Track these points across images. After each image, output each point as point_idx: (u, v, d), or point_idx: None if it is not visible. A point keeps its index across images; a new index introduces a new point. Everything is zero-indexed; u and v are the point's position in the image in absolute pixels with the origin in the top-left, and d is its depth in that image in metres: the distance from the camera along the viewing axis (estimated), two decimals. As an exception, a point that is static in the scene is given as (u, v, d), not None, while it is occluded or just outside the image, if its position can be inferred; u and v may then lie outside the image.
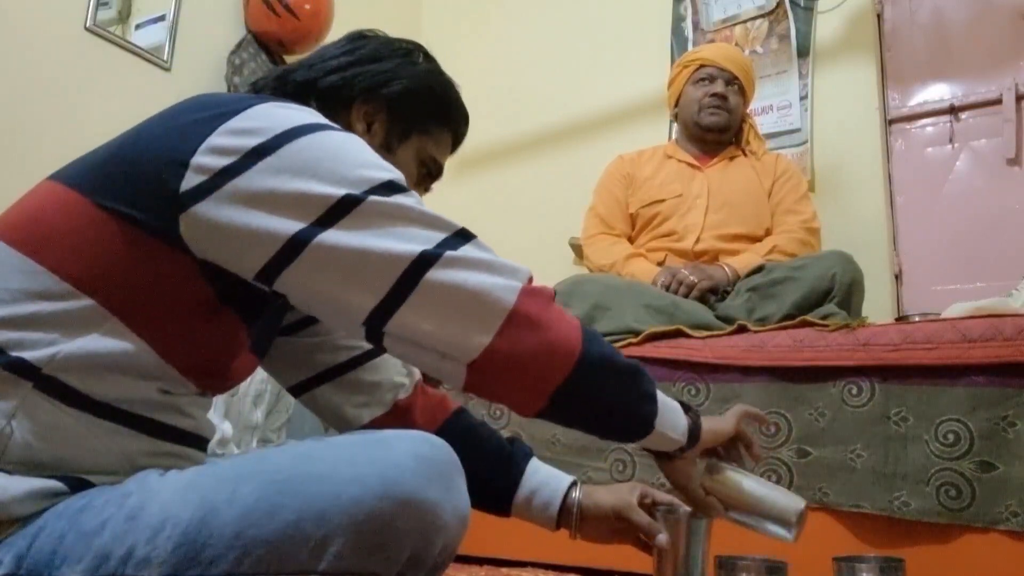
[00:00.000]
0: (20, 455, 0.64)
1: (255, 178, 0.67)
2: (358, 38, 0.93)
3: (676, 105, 2.30)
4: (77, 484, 0.66)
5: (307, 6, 2.48)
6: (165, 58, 2.27)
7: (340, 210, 0.67)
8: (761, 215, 2.13)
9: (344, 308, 0.69)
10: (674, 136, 2.45)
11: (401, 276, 0.67)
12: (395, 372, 1.00)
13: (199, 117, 0.70)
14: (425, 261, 0.67)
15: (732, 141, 2.26)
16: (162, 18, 2.30)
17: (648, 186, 2.20)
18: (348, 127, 0.86)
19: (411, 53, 0.93)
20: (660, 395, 0.84)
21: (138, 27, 2.26)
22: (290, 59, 2.57)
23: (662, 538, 0.93)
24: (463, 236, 0.71)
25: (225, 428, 1.57)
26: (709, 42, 2.68)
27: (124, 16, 2.22)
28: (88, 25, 2.08)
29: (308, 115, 0.73)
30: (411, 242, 0.67)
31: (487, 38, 3.14)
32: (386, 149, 0.89)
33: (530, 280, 0.73)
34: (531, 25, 3.18)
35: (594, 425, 0.83)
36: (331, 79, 0.88)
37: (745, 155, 2.23)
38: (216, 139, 0.68)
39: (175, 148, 0.68)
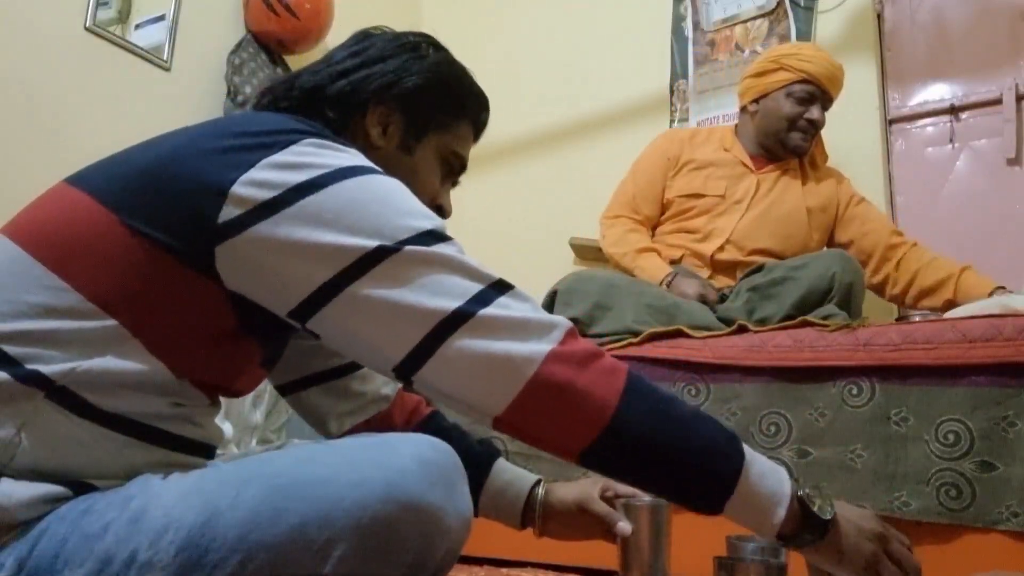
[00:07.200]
0: (28, 463, 0.64)
1: (294, 217, 0.66)
2: (364, 38, 0.92)
3: (755, 102, 2.12)
4: (80, 488, 0.66)
5: (307, 5, 2.47)
6: (165, 58, 2.27)
7: (373, 260, 0.66)
8: (793, 235, 2.06)
9: (375, 355, 0.70)
10: (736, 124, 2.24)
11: (429, 333, 0.66)
12: (382, 383, 1.02)
13: (239, 144, 0.69)
14: (454, 321, 0.66)
15: None
16: (162, 18, 2.29)
17: (693, 176, 2.12)
18: (363, 132, 0.86)
19: (418, 47, 0.91)
20: (758, 473, 0.72)
21: (138, 27, 2.25)
22: (290, 59, 2.57)
23: (622, 526, 0.95)
24: (499, 288, 0.70)
25: (225, 428, 1.57)
26: (716, 36, 2.65)
27: (124, 16, 2.21)
28: (88, 25, 2.07)
29: (352, 157, 0.72)
30: (444, 297, 0.67)
31: (487, 38, 3.13)
32: (405, 151, 0.89)
33: (568, 336, 0.70)
34: (531, 25, 3.17)
35: (646, 488, 0.78)
36: (339, 84, 0.86)
37: (803, 167, 2.15)
38: (258, 172, 0.67)
39: (214, 175, 0.67)
